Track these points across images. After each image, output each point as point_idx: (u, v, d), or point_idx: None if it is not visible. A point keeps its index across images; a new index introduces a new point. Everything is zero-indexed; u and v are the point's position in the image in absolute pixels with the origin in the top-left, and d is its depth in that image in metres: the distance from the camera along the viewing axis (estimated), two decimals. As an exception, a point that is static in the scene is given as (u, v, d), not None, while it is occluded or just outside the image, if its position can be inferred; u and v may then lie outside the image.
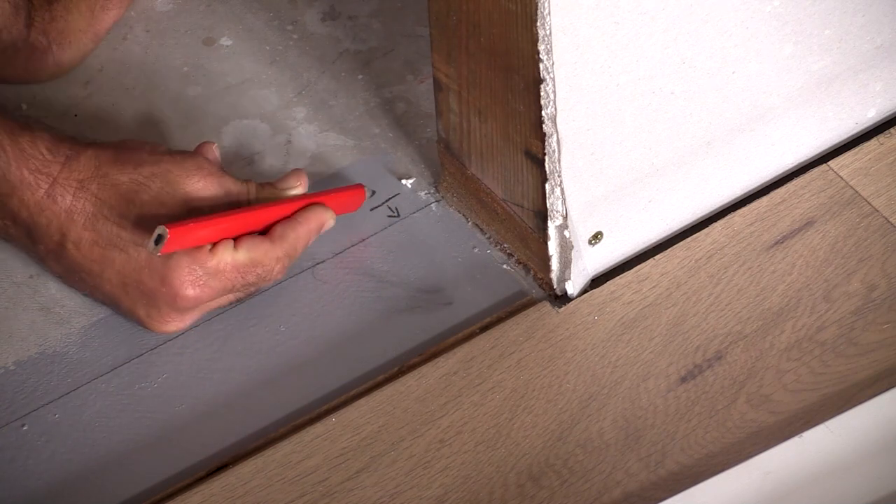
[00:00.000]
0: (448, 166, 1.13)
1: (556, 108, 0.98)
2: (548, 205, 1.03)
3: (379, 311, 1.08)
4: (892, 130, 1.17)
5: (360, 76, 1.24)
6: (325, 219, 1.08)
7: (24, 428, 1.02)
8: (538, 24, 0.93)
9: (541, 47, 0.94)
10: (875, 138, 1.16)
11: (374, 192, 1.14)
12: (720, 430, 1.00)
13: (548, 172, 1.01)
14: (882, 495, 0.96)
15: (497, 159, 1.06)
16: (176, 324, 1.04)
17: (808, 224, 1.11)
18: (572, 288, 1.08)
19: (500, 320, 1.07)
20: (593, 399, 1.02)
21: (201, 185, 1.03)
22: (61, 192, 1.02)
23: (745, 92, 1.07)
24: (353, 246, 1.12)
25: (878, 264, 1.08)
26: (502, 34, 0.97)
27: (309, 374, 1.05)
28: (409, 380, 1.04)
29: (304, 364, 1.05)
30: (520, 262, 1.10)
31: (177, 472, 1.00)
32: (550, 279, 1.08)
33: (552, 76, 0.96)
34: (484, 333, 1.06)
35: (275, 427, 1.02)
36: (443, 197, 1.15)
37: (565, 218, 1.04)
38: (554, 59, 0.95)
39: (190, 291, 1.01)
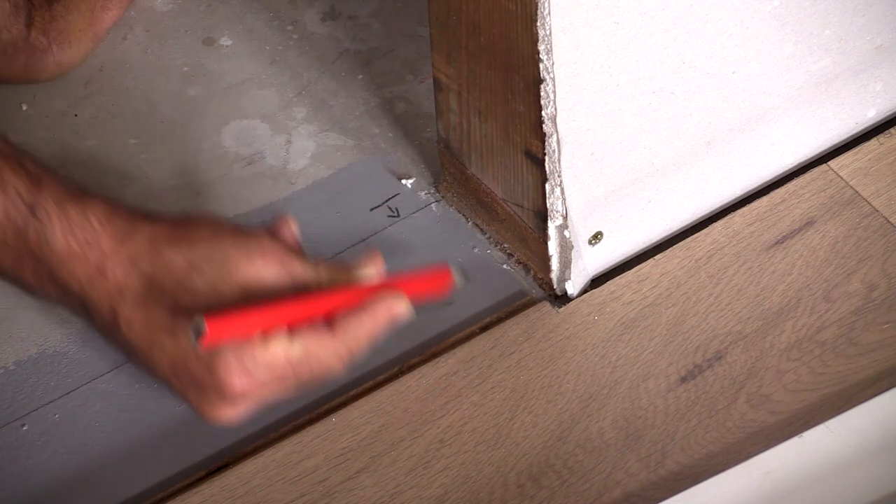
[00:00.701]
0: (448, 166, 1.13)
1: (556, 108, 0.98)
2: (548, 205, 1.03)
3: (379, 311, 1.08)
4: (892, 130, 1.17)
5: (360, 76, 1.24)
6: (396, 310, 0.97)
7: (24, 428, 1.02)
8: (538, 24, 0.93)
9: (541, 47, 0.94)
10: (875, 138, 1.16)
11: (466, 278, 1.02)
12: (720, 430, 1.00)
13: (548, 172, 1.01)
14: (882, 495, 0.96)
15: (497, 159, 1.06)
16: (228, 413, 0.95)
17: (808, 224, 1.11)
18: (572, 288, 1.08)
19: (500, 320, 1.07)
20: (593, 399, 1.02)
21: (262, 269, 0.95)
22: (111, 268, 0.94)
23: (745, 92, 1.07)
24: (353, 246, 1.12)
25: (878, 264, 1.08)
26: (502, 34, 0.97)
27: (309, 374, 1.05)
28: (409, 380, 1.04)
29: (304, 364, 1.05)
30: (520, 262, 1.10)
31: (177, 472, 1.00)
32: (550, 279, 1.08)
33: (552, 76, 0.96)
34: (484, 333, 1.06)
35: (275, 427, 1.02)
36: (443, 197, 1.15)
37: (565, 218, 1.04)
38: (554, 59, 0.95)
39: (237, 383, 0.93)
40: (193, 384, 0.94)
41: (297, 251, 0.99)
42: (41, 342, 1.06)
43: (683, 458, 0.99)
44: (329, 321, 0.95)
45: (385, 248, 1.12)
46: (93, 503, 0.99)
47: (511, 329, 1.06)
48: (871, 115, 1.16)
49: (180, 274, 0.94)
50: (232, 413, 0.95)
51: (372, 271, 0.98)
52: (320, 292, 0.95)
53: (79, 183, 0.98)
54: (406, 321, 0.97)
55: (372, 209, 1.15)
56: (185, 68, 1.25)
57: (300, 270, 0.96)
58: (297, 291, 0.95)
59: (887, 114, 1.17)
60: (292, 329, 0.94)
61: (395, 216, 1.14)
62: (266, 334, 0.93)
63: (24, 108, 1.22)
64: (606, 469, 0.99)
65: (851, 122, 1.16)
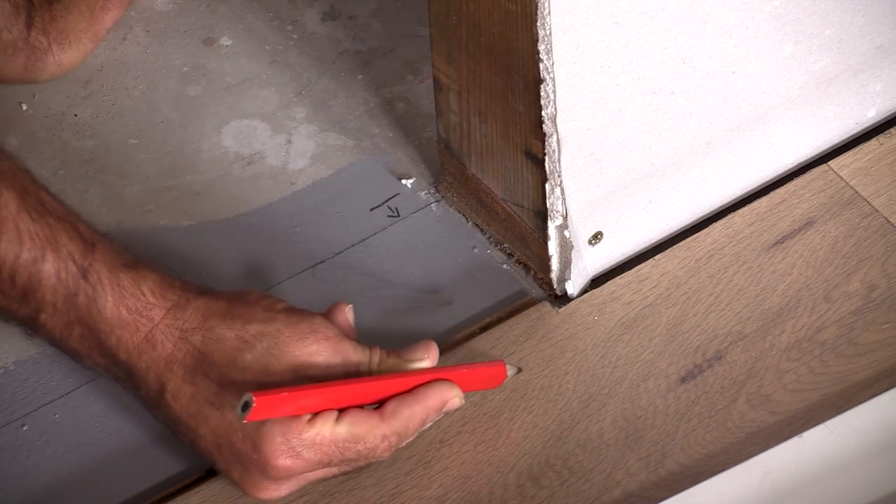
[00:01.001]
0: (448, 166, 1.13)
1: (556, 108, 0.98)
2: (548, 205, 1.03)
3: (379, 311, 1.08)
4: (892, 130, 1.17)
5: (360, 76, 1.24)
6: (448, 397, 0.97)
7: (24, 428, 1.02)
8: (538, 24, 0.93)
9: (541, 47, 0.94)
10: (875, 138, 1.16)
11: (519, 370, 1.03)
12: (720, 430, 1.00)
13: (548, 172, 1.01)
14: (882, 495, 0.96)
15: (497, 159, 1.06)
16: (271, 491, 0.95)
17: (808, 224, 1.11)
18: (572, 288, 1.08)
19: (500, 320, 1.07)
20: (593, 399, 1.02)
21: (314, 351, 0.95)
22: (161, 339, 0.95)
23: (745, 92, 1.07)
24: (353, 246, 1.12)
25: (878, 264, 1.08)
26: (502, 34, 0.97)
27: (309, 374, 1.05)
28: (409, 380, 1.04)
29: (304, 364, 1.05)
30: (520, 262, 1.10)
31: (177, 472, 1.00)
32: (550, 279, 1.08)
33: (552, 76, 0.96)
34: (484, 333, 1.06)
35: (275, 427, 1.02)
36: (443, 197, 1.15)
37: (565, 218, 1.04)
38: (554, 59, 0.95)
39: (281, 462, 0.93)
40: (238, 460, 0.95)
41: (351, 336, 0.99)
42: (41, 342, 1.06)
43: (683, 458, 0.99)
44: (379, 405, 0.96)
45: (385, 248, 1.12)
46: (93, 503, 0.99)
47: (511, 329, 1.06)
48: (871, 115, 1.16)
49: (231, 350, 0.95)
50: (275, 491, 0.96)
51: (426, 361, 0.99)
52: (372, 377, 0.96)
53: (132, 252, 0.99)
54: (457, 409, 0.99)
55: (372, 209, 1.15)
56: (185, 68, 1.25)
57: (353, 354, 0.97)
58: (348, 375, 0.96)
59: (887, 114, 1.17)
60: (340, 410, 0.94)
61: (395, 216, 1.14)
62: (314, 415, 0.93)
63: (24, 108, 1.22)
64: (606, 469, 0.99)
65: (851, 122, 1.16)
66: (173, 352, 0.95)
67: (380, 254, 1.12)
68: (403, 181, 1.16)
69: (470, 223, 1.13)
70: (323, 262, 1.11)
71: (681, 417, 1.01)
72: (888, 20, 1.11)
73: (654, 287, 1.08)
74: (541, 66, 0.95)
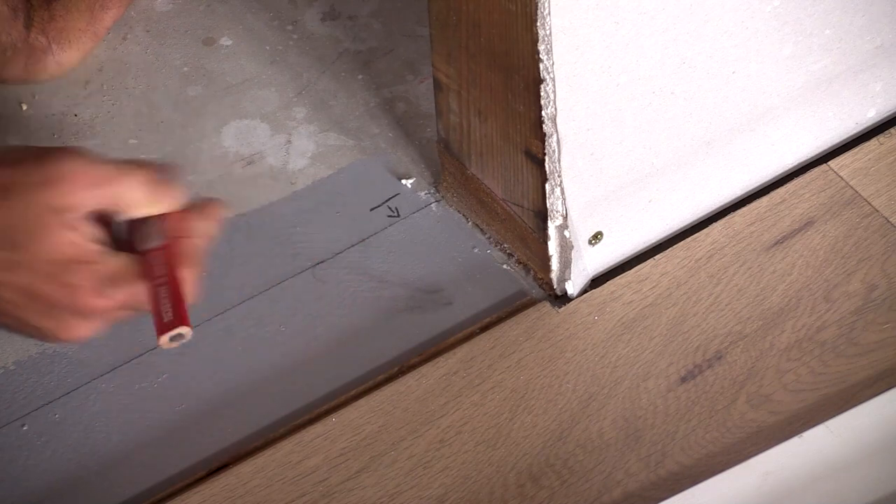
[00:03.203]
0: (448, 166, 1.13)
1: (556, 108, 0.98)
2: (548, 205, 1.03)
3: (379, 311, 1.08)
4: (892, 130, 1.17)
5: (360, 76, 1.24)
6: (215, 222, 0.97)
7: (24, 428, 1.02)
8: (538, 24, 0.93)
9: (541, 47, 0.94)
10: (875, 138, 1.16)
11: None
12: (720, 430, 1.00)
13: (548, 172, 1.01)
14: (882, 495, 0.96)
15: (497, 159, 1.06)
16: (83, 331, 0.94)
17: (808, 224, 1.11)
18: (572, 288, 1.08)
19: (500, 320, 1.07)
20: (593, 399, 1.02)
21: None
22: None
23: (745, 92, 1.07)
24: (353, 246, 1.12)
25: (878, 264, 1.08)
26: (502, 34, 0.97)
27: (309, 374, 1.05)
28: (409, 380, 1.04)
29: (304, 364, 1.06)
30: (520, 262, 1.11)
31: (177, 472, 1.00)
32: (550, 279, 1.08)
33: (552, 76, 0.96)
34: (484, 333, 1.06)
35: (275, 427, 1.02)
36: (443, 197, 1.15)
37: (565, 218, 1.04)
38: (554, 59, 0.95)
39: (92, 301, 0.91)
40: (49, 308, 0.92)
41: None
42: (41, 342, 1.06)
43: (683, 458, 0.99)
44: None
45: (385, 248, 1.12)
46: (93, 503, 0.99)
47: (511, 329, 1.06)
48: (871, 115, 1.16)
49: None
50: (86, 331, 0.94)
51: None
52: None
53: None
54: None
55: (372, 209, 1.15)
56: (185, 68, 1.25)
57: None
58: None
59: (887, 114, 1.17)
60: None
61: (395, 216, 1.14)
62: None
63: (24, 108, 1.22)
64: (606, 469, 0.99)
65: (851, 122, 1.16)
66: None
67: (380, 254, 1.12)
68: (403, 181, 1.17)
69: (470, 223, 1.13)
70: (323, 262, 1.11)
71: (681, 417, 1.01)
72: (888, 20, 1.11)
73: (654, 287, 1.08)
74: (541, 66, 0.95)
